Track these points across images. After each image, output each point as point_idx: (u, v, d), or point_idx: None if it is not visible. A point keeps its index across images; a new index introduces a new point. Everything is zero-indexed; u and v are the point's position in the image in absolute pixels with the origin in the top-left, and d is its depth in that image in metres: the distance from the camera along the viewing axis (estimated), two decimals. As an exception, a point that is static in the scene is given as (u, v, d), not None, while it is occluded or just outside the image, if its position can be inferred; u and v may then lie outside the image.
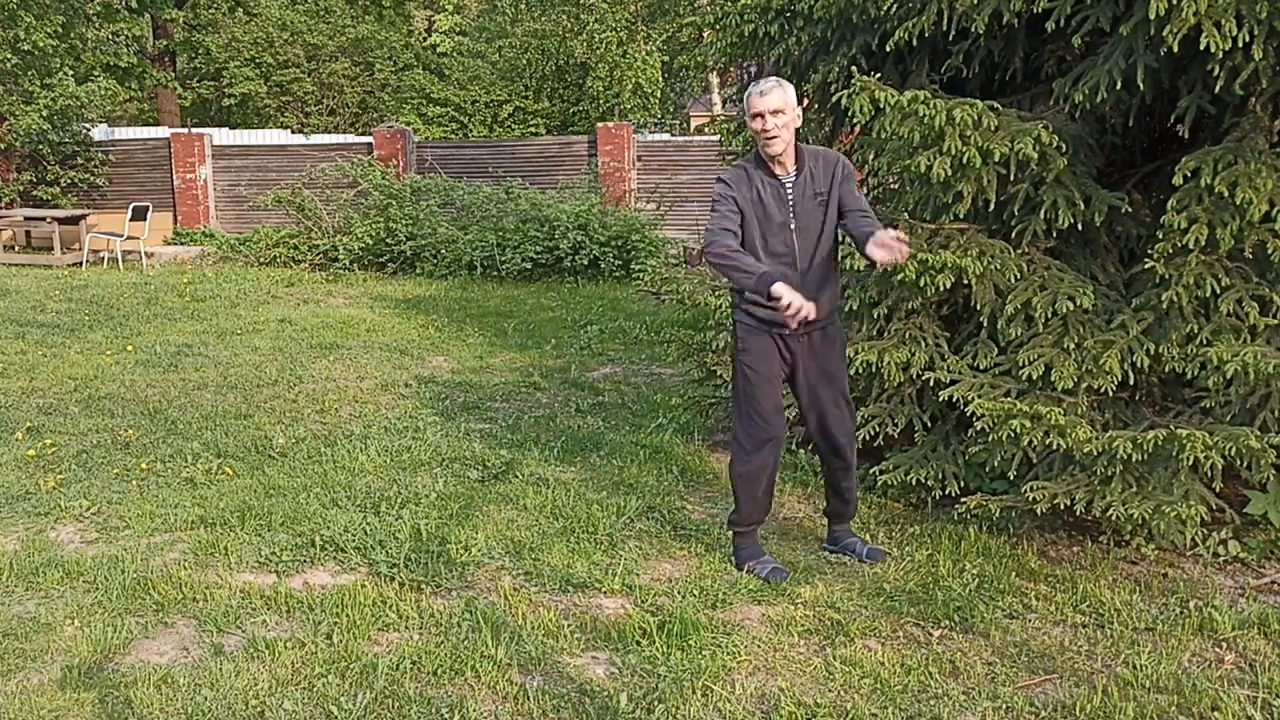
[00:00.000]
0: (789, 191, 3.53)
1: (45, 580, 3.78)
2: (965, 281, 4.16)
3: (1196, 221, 3.73)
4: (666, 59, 24.21)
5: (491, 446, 5.44)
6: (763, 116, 3.43)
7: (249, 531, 4.24)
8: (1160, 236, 3.86)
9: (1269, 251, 3.75)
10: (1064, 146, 4.03)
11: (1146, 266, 3.92)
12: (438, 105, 24.44)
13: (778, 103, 3.42)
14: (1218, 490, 3.84)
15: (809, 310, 3.19)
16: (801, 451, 4.99)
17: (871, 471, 4.67)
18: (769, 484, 3.83)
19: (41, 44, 15.15)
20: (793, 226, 3.52)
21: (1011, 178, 4.15)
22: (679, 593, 3.68)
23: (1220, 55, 3.62)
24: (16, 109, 14.86)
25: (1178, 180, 3.80)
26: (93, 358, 7.79)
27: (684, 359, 6.07)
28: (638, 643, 3.30)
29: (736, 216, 3.50)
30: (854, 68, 4.65)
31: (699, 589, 3.70)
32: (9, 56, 14.85)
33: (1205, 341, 3.82)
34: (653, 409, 6.26)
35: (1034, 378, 4.00)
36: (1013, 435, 3.78)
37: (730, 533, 3.99)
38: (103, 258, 14.03)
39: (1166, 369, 3.95)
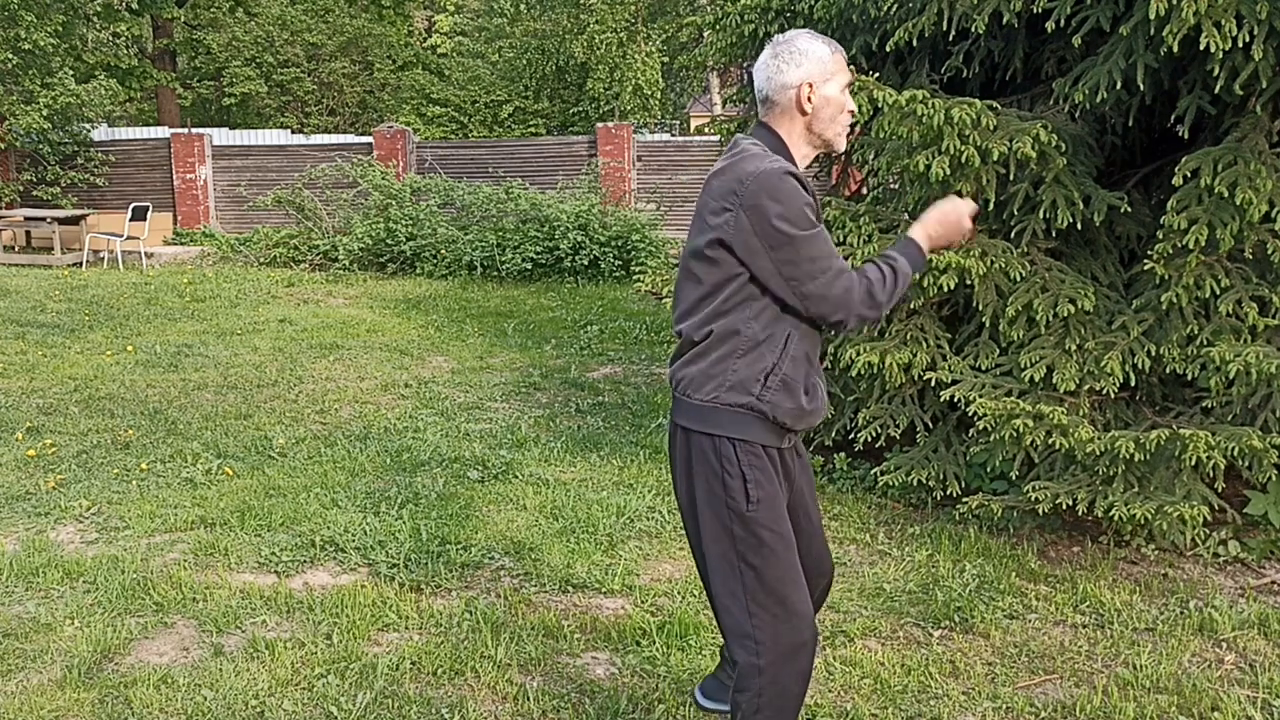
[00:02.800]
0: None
1: (45, 580, 3.78)
2: (968, 282, 4.16)
3: (1196, 222, 3.73)
4: (666, 59, 24.19)
5: (491, 446, 5.44)
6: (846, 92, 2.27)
7: (249, 531, 4.24)
8: (1160, 237, 3.85)
9: (1269, 252, 3.75)
10: (1063, 146, 4.03)
11: (1146, 268, 3.92)
12: (438, 105, 24.43)
13: None
14: (1219, 490, 3.84)
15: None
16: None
17: (872, 472, 4.68)
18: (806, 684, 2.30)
19: (42, 43, 15.15)
20: None
21: (1011, 177, 4.15)
22: (679, 593, 3.68)
23: (1220, 55, 3.62)
24: (16, 109, 14.86)
25: (1178, 180, 3.80)
26: (93, 358, 7.78)
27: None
28: (638, 643, 3.30)
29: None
30: (853, 68, 4.64)
31: (699, 589, 3.69)
32: (9, 56, 14.84)
33: (1206, 342, 3.82)
34: (653, 409, 6.25)
35: (1036, 379, 4.00)
36: (1014, 435, 3.78)
37: None
38: (103, 258, 14.02)
39: (1167, 370, 3.95)
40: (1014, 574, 3.82)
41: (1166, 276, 3.84)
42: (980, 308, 4.27)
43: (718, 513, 2.21)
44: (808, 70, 2.19)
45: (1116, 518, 3.69)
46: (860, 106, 4.15)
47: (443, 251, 12.51)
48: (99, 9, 18.89)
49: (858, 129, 5.17)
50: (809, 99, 2.19)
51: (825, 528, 4.28)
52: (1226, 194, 3.64)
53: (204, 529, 4.30)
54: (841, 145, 2.30)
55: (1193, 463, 3.57)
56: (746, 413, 2.17)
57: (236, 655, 3.23)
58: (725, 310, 2.16)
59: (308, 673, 3.11)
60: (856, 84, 4.13)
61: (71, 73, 15.51)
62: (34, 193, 15.51)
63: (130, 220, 13.69)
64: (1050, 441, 3.77)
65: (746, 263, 2.12)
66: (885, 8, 4.67)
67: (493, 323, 9.47)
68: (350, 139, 17.97)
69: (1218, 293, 3.83)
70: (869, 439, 4.53)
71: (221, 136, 16.49)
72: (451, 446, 5.44)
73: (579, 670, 3.16)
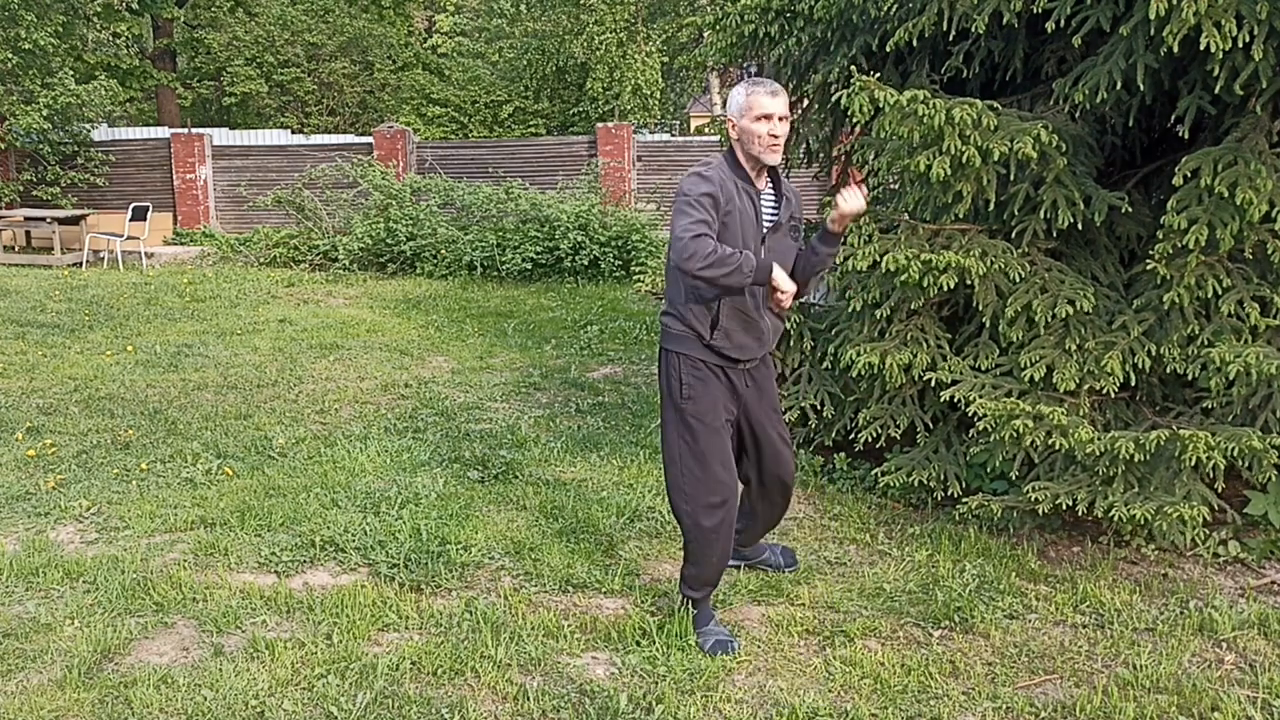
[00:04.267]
0: (766, 206, 3.23)
1: (45, 580, 3.78)
2: (968, 282, 4.16)
3: (1196, 222, 3.73)
4: (666, 59, 24.21)
5: (491, 446, 5.44)
6: (771, 119, 3.10)
7: (249, 531, 4.24)
8: (1160, 237, 3.86)
9: (1269, 252, 3.75)
10: (1064, 146, 4.03)
11: (1148, 268, 3.92)
12: (438, 105, 24.44)
13: (785, 107, 3.14)
14: (1219, 490, 3.84)
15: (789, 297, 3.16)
16: (801, 451, 4.99)
17: (872, 472, 4.68)
18: (728, 543, 3.34)
19: (42, 43, 15.15)
20: (765, 244, 3.19)
21: (1011, 177, 4.15)
22: (679, 593, 3.67)
23: (1220, 55, 3.62)
24: (16, 109, 14.86)
25: (1178, 180, 3.80)
26: (93, 358, 7.78)
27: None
28: (638, 643, 3.30)
29: (714, 218, 3.06)
30: (854, 68, 4.65)
31: (699, 589, 3.69)
32: (9, 56, 14.84)
33: (1206, 342, 3.82)
34: (653, 409, 6.25)
35: (1035, 379, 4.00)
36: (1014, 435, 3.78)
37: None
38: (103, 258, 14.03)
39: (1167, 370, 3.95)
40: (1014, 574, 3.82)
41: (1167, 276, 3.84)
42: (980, 308, 4.27)
43: None
44: (730, 110, 3.20)
45: (1116, 518, 3.69)
46: (861, 106, 4.15)
47: (443, 251, 12.51)
48: (99, 9, 18.89)
49: (858, 129, 5.17)
50: (733, 128, 3.19)
51: (825, 528, 4.29)
52: (1226, 194, 3.64)
53: (204, 529, 4.30)
54: (767, 159, 3.14)
55: (1192, 463, 3.57)
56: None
57: (236, 655, 3.23)
58: None
59: (308, 673, 3.11)
60: (858, 84, 4.14)
61: (72, 73, 15.52)
62: (34, 193, 15.51)
63: (130, 220, 13.70)
64: (1050, 442, 3.76)
65: None
66: (885, 8, 4.67)
67: (493, 323, 9.47)
68: (350, 139, 17.97)
69: (1218, 293, 3.83)
70: (869, 439, 4.53)
71: (221, 136, 16.49)
72: (451, 446, 5.44)
73: (579, 670, 3.16)
